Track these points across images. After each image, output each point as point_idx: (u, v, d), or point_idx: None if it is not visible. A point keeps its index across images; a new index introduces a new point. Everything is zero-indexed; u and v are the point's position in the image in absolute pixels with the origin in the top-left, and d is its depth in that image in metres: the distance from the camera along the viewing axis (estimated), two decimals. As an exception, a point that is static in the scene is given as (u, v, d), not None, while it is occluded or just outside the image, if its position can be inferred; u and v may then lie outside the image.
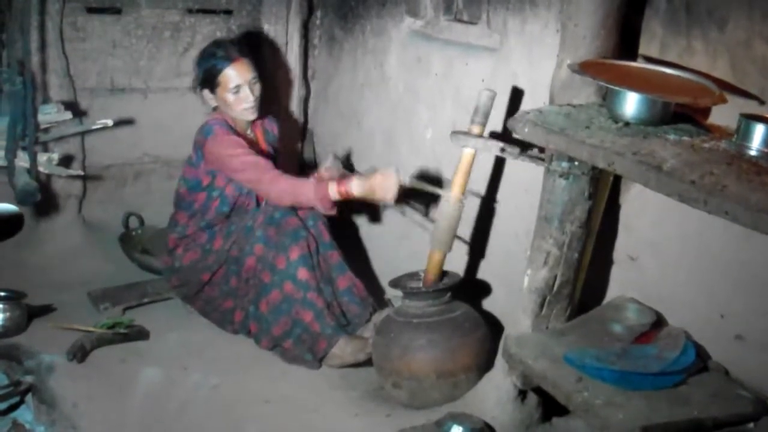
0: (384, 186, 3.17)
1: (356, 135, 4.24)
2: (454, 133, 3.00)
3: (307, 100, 4.60)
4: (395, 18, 3.86)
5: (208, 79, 3.45)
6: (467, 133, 2.97)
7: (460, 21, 3.52)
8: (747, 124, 2.06)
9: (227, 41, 3.59)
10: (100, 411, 2.87)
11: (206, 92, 3.48)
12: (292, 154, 4.52)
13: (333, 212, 3.30)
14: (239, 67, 3.41)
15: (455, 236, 3.09)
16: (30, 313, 3.38)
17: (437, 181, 3.53)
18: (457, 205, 3.03)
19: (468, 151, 2.99)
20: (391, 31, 3.89)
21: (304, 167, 4.49)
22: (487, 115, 2.95)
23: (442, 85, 3.56)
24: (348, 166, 3.92)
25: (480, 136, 2.96)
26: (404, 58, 3.82)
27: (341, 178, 3.28)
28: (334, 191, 3.23)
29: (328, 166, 3.51)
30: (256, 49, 4.28)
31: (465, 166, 3.00)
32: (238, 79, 3.40)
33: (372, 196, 3.22)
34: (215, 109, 3.51)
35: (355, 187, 3.22)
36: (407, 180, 3.22)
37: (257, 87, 3.46)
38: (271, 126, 3.72)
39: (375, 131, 4.09)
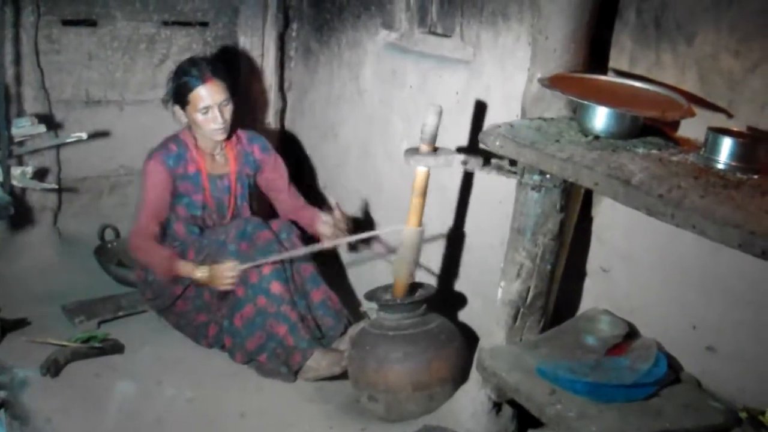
0: (218, 276, 3.28)
1: (332, 147, 4.24)
2: (407, 152, 2.97)
3: (283, 112, 4.60)
4: (370, 30, 3.87)
5: (178, 96, 3.44)
6: (419, 151, 2.93)
7: (435, 34, 3.53)
8: (714, 137, 2.07)
9: (204, 60, 3.53)
10: (74, 426, 2.86)
11: (177, 108, 3.47)
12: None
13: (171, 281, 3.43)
14: (211, 88, 3.38)
15: (417, 265, 3.10)
16: (4, 327, 3.36)
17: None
18: (416, 233, 3.03)
19: (421, 170, 2.94)
20: (367, 43, 3.90)
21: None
22: (435, 132, 2.91)
23: (417, 97, 3.57)
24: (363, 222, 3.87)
25: (433, 151, 2.93)
26: (379, 70, 3.83)
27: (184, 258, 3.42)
28: (180, 268, 3.36)
29: (325, 220, 3.51)
30: (232, 61, 4.30)
31: (420, 188, 2.97)
32: (208, 100, 3.38)
33: (210, 284, 3.32)
34: (186, 125, 3.51)
35: (197, 273, 3.33)
36: (246, 264, 3.28)
37: (228, 109, 3.43)
38: (251, 147, 3.65)
39: (351, 143, 4.09)
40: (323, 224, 3.50)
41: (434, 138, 2.92)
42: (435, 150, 2.95)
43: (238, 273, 3.26)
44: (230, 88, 3.47)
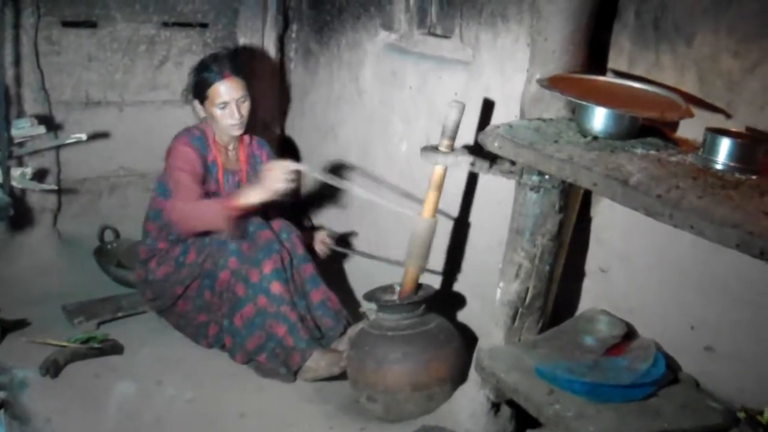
0: (271, 176, 3.23)
1: (332, 147, 4.25)
2: (425, 149, 3.00)
3: (283, 113, 4.60)
4: (370, 32, 3.88)
5: (198, 91, 3.48)
6: (437, 150, 2.96)
7: (434, 35, 3.54)
8: (713, 138, 2.07)
9: (226, 57, 3.57)
10: (74, 426, 2.86)
11: (196, 102, 3.51)
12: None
13: (232, 229, 3.32)
14: (229, 84, 3.42)
15: (428, 253, 3.10)
16: (3, 328, 3.36)
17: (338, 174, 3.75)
18: (429, 223, 3.04)
19: (439, 168, 2.98)
20: (366, 44, 3.91)
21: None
22: (456, 128, 2.94)
23: (417, 98, 3.58)
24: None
25: (451, 149, 2.96)
26: (379, 71, 3.84)
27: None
28: (235, 203, 3.27)
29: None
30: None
31: (436, 183, 3.00)
32: (225, 96, 3.41)
33: (268, 192, 3.25)
34: (204, 119, 3.54)
35: (253, 194, 3.27)
36: (301, 166, 3.32)
37: (245, 106, 3.47)
38: (260, 152, 3.69)
39: (351, 144, 4.10)
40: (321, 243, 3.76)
41: (455, 134, 2.94)
42: (452, 148, 2.97)
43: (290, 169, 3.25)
44: (249, 86, 3.50)
